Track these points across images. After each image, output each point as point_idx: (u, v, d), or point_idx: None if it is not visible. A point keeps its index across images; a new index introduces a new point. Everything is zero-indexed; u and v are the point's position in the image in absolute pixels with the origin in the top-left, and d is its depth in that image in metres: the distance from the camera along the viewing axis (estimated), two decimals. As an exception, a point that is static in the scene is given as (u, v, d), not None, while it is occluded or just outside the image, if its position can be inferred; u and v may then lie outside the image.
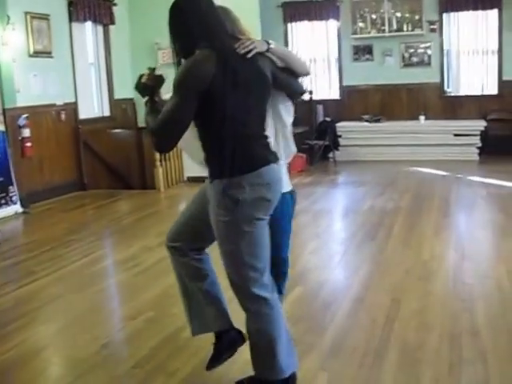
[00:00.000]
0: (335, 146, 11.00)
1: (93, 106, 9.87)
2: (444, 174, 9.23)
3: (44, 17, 8.45)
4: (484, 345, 3.43)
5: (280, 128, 2.96)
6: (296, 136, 11.12)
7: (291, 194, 3.06)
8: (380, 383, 3.08)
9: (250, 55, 2.66)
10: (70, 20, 9.04)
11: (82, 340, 3.77)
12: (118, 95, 10.06)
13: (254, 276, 2.72)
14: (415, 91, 11.53)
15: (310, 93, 11.23)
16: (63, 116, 8.83)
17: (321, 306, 4.16)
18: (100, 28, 9.86)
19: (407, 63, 11.59)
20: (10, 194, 7.66)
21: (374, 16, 11.57)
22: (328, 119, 11.29)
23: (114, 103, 10.05)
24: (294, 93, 3.02)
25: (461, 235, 6.01)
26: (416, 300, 4.18)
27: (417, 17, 11.34)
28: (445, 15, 11.30)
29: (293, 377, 2.88)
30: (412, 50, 11.53)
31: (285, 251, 3.07)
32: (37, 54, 8.34)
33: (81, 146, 9.15)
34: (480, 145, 10.61)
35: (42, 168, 8.48)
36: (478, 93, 11.33)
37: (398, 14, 11.41)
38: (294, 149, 3.08)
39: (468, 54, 11.39)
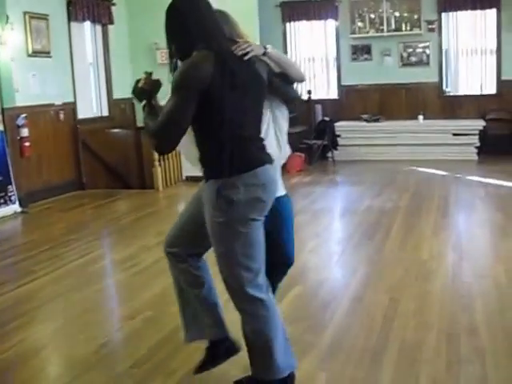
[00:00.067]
0: (334, 145, 11.00)
1: (91, 105, 9.87)
2: (443, 174, 9.23)
3: (43, 16, 8.45)
4: (482, 343, 3.43)
5: (278, 132, 3.01)
6: (295, 135, 11.08)
7: (287, 196, 3.16)
8: (378, 382, 3.08)
9: (246, 57, 2.68)
10: (69, 20, 9.04)
11: (80, 339, 3.77)
12: (116, 95, 10.06)
13: (249, 277, 2.72)
14: (414, 91, 11.54)
15: (309, 92, 11.24)
16: (62, 116, 8.83)
17: (320, 305, 4.17)
18: (99, 28, 9.86)
19: (406, 63, 11.59)
20: (9, 194, 7.66)
21: (372, 16, 11.58)
22: (327, 119, 11.29)
23: (112, 103, 10.05)
24: (289, 98, 3.06)
25: (459, 235, 6.01)
26: (414, 299, 4.18)
27: (415, 16, 11.35)
28: (443, 15, 11.31)
29: (291, 377, 2.88)
30: (410, 50, 11.53)
31: (293, 252, 3.17)
32: (35, 53, 8.33)
33: (79, 146, 9.15)
34: (479, 144, 10.61)
35: (41, 168, 8.48)
36: (477, 92, 11.34)
37: (397, 14, 11.41)
38: (288, 150, 3.15)
39: (467, 54, 11.40)
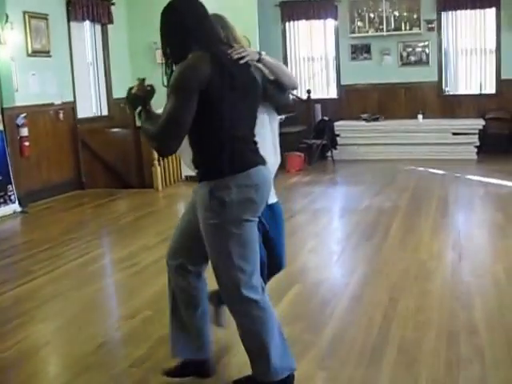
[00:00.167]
0: (333, 145, 11.00)
1: (91, 105, 9.87)
2: (442, 173, 9.23)
3: (42, 16, 8.45)
4: (481, 343, 3.43)
5: (274, 140, 3.08)
6: (294, 135, 11.05)
7: (278, 203, 3.24)
8: (378, 382, 3.08)
9: (242, 61, 2.70)
10: (69, 19, 9.04)
11: (79, 339, 3.77)
12: (116, 94, 10.04)
13: (243, 278, 2.71)
14: (413, 90, 11.54)
15: (308, 92, 11.25)
16: (61, 115, 8.82)
17: (319, 304, 4.17)
18: (98, 27, 9.86)
19: (405, 62, 11.60)
20: (9, 193, 7.66)
21: (371, 15, 11.58)
22: (326, 118, 11.29)
23: (112, 102, 10.04)
24: (281, 105, 3.10)
25: (459, 234, 6.01)
26: (414, 298, 4.18)
27: (415, 16, 11.35)
28: (443, 14, 11.31)
29: (290, 378, 2.88)
30: (410, 49, 11.54)
31: (284, 256, 3.28)
32: (35, 53, 8.33)
33: (79, 145, 9.15)
34: (478, 144, 10.62)
35: (41, 167, 8.48)
36: (476, 92, 11.34)
37: (396, 13, 11.42)
38: (279, 159, 3.21)
39: (466, 53, 11.41)
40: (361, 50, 11.78)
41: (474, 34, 11.29)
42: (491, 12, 11.03)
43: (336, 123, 11.21)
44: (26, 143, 8.05)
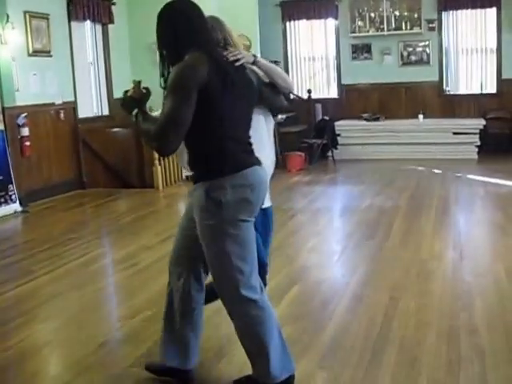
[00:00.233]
0: (334, 144, 11.00)
1: (92, 104, 9.87)
2: (443, 173, 9.23)
3: (43, 16, 8.45)
4: (482, 342, 3.43)
5: (273, 143, 3.10)
6: (295, 135, 11.05)
7: (271, 208, 3.27)
8: (378, 381, 3.08)
9: (238, 64, 2.73)
10: (69, 19, 9.04)
11: (79, 338, 3.77)
12: (116, 94, 10.04)
13: (242, 278, 2.71)
14: (414, 90, 11.54)
15: (309, 91, 11.25)
16: (62, 115, 8.82)
17: (319, 304, 4.16)
18: (99, 27, 9.86)
19: (406, 62, 11.60)
20: (10, 193, 7.66)
21: (372, 15, 11.58)
22: (326, 118, 11.29)
23: (112, 102, 10.02)
24: (276, 107, 3.14)
25: (459, 234, 6.01)
26: (414, 298, 4.18)
27: (415, 15, 11.35)
28: (443, 14, 11.32)
29: (291, 379, 2.88)
30: (411, 49, 11.54)
31: (265, 257, 3.26)
32: (36, 53, 8.33)
33: (80, 145, 9.15)
34: (479, 143, 10.62)
35: (41, 167, 8.48)
36: (477, 91, 11.34)
37: (397, 13, 11.42)
38: (274, 160, 3.26)
39: (467, 53, 11.40)
40: (361, 50, 11.79)
41: (475, 34, 11.29)
42: (492, 12, 11.03)
43: (337, 123, 11.20)
44: (27, 143, 8.05)
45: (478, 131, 10.64)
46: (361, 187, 8.48)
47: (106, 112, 10.03)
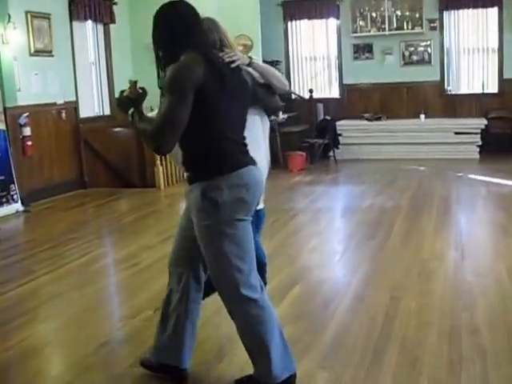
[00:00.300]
0: (335, 144, 10.99)
1: (93, 104, 9.87)
2: (444, 173, 9.22)
3: (45, 16, 8.45)
4: (483, 342, 3.43)
5: (267, 144, 3.12)
6: (296, 134, 11.04)
7: (264, 210, 3.31)
8: (379, 381, 3.07)
9: (233, 65, 2.75)
10: (71, 19, 9.04)
11: (80, 338, 3.77)
12: (118, 94, 10.03)
13: (241, 277, 2.72)
14: (415, 90, 11.53)
15: (311, 91, 11.25)
16: (64, 115, 8.83)
17: (321, 303, 4.16)
18: (100, 27, 9.86)
19: (407, 62, 11.59)
20: (11, 193, 7.67)
21: (374, 14, 11.58)
22: (328, 117, 11.28)
23: (114, 102, 10.02)
24: (271, 108, 3.15)
25: (461, 233, 6.00)
26: (416, 298, 4.17)
27: (417, 15, 11.35)
28: (445, 13, 11.31)
29: (292, 378, 2.88)
30: (412, 49, 11.53)
31: (263, 257, 3.31)
32: (38, 52, 8.34)
33: (81, 145, 9.16)
34: (480, 143, 10.60)
35: (43, 166, 8.49)
36: (479, 91, 11.33)
37: (398, 13, 11.41)
38: (269, 160, 3.30)
39: (468, 53, 11.40)
40: (363, 50, 11.78)
41: (477, 34, 11.28)
42: (493, 11, 11.03)
43: (338, 123, 11.19)
44: (29, 143, 8.05)
45: (479, 131, 10.63)
46: (362, 187, 8.48)
47: (107, 112, 10.04)
